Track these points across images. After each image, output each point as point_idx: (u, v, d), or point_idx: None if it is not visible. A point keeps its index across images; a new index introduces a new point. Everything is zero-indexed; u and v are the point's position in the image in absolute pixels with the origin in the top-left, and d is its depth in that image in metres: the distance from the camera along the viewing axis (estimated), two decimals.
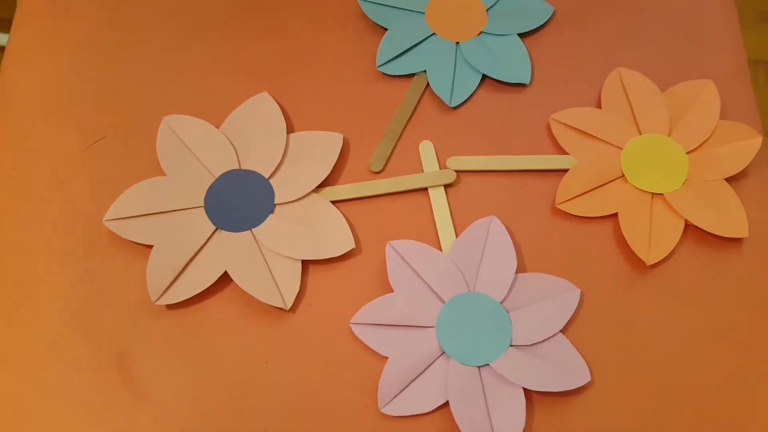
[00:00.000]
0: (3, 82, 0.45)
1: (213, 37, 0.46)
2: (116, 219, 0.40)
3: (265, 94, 0.43)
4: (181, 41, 0.46)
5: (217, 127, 0.43)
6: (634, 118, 0.43)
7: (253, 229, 0.40)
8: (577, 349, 0.37)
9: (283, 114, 0.43)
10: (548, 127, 0.44)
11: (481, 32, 0.46)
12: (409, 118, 0.43)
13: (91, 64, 0.45)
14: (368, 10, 0.45)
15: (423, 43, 0.45)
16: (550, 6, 0.47)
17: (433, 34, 0.45)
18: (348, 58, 0.45)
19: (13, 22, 0.47)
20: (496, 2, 0.46)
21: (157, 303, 0.38)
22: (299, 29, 0.46)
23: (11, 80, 0.45)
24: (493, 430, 0.35)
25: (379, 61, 0.44)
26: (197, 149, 0.42)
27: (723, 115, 0.44)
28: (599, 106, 0.44)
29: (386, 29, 0.45)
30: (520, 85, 0.45)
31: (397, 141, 0.42)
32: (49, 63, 0.45)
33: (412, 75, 0.44)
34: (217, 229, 0.40)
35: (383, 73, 0.44)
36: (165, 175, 0.41)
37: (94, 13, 0.47)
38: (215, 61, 0.45)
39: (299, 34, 0.46)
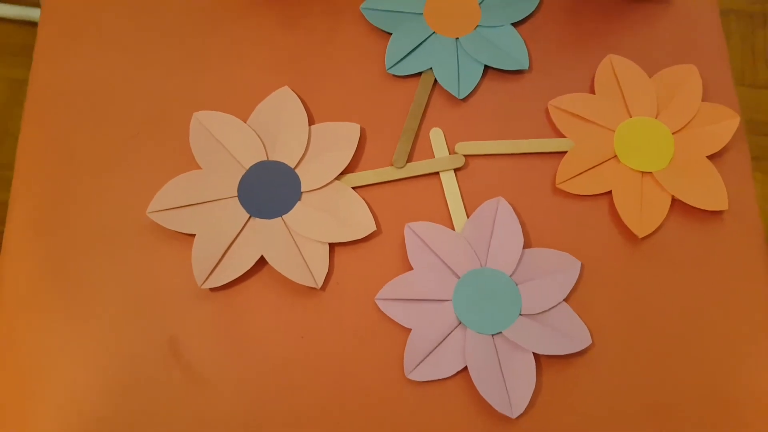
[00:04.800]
0: (34, 84, 0.41)
1: (231, 30, 0.42)
2: (159, 211, 0.37)
3: (286, 89, 0.40)
4: (201, 34, 0.42)
5: (244, 120, 0.40)
6: (625, 102, 0.41)
7: (283, 216, 0.38)
8: (579, 316, 0.36)
9: (303, 105, 0.40)
10: (547, 112, 0.41)
11: (478, 26, 0.42)
12: (423, 114, 0.40)
13: (116, 61, 0.41)
14: (371, 17, 0.42)
15: (425, 43, 0.41)
16: None
17: (434, 33, 0.41)
18: (360, 53, 0.42)
19: (39, 22, 0.42)
20: None
21: (203, 287, 0.36)
22: (314, 22, 0.42)
23: (42, 81, 0.41)
24: (507, 390, 0.34)
25: (388, 64, 0.41)
26: (228, 143, 0.39)
27: (705, 97, 0.41)
28: (593, 90, 0.41)
29: (390, 33, 0.42)
30: (520, 73, 0.42)
31: (415, 137, 0.40)
32: (76, 62, 0.41)
33: (419, 73, 0.41)
34: (250, 216, 0.38)
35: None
36: (199, 167, 0.39)
37: (116, 9, 0.42)
38: (234, 53, 0.42)
39: (314, 26, 0.42)
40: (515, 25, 0.43)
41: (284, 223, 0.37)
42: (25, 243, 0.37)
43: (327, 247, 0.37)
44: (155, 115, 0.40)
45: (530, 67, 0.42)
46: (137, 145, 0.40)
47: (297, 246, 0.37)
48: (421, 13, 0.42)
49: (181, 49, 0.42)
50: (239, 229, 0.37)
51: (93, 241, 0.37)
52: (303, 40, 0.42)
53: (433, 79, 0.41)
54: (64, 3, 0.43)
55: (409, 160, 0.40)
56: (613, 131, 0.40)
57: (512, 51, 0.41)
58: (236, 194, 0.38)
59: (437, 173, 0.39)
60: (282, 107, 0.40)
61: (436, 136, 0.40)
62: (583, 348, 0.35)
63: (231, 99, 0.40)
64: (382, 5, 0.42)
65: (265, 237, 0.37)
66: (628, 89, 0.41)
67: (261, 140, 0.39)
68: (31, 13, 0.96)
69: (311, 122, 0.40)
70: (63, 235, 0.38)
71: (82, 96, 0.41)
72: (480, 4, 0.43)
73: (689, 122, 0.40)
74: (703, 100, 0.41)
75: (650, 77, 0.41)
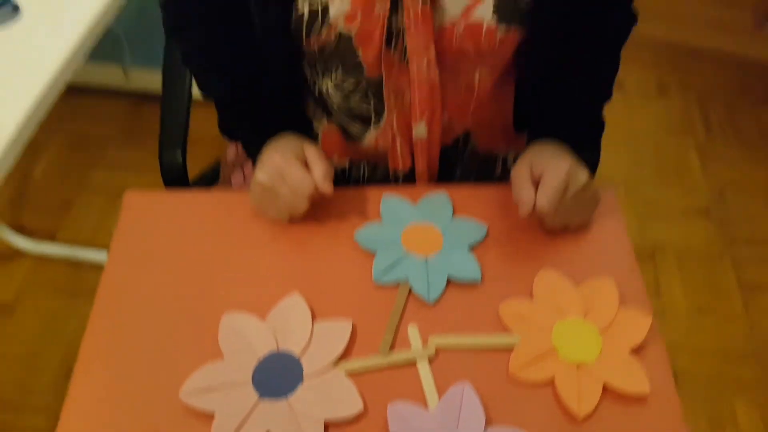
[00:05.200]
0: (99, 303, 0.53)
1: (256, 250, 0.55)
2: (188, 393, 0.45)
3: (297, 295, 0.52)
4: (234, 253, 0.55)
5: (263, 317, 0.50)
6: (558, 305, 0.51)
7: (287, 398, 0.45)
8: None
9: (309, 307, 0.50)
10: (498, 313, 0.51)
11: (441, 249, 0.55)
12: (402, 314, 0.51)
13: (168, 280, 0.53)
14: (362, 242, 0.55)
15: (402, 261, 0.54)
16: (484, 224, 0.57)
17: (409, 253, 0.55)
18: (353, 268, 0.54)
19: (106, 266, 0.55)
20: (446, 227, 0.57)
21: None
22: (319, 245, 0.56)
23: (106, 297, 0.53)
24: None
25: (374, 275, 0.53)
26: (248, 337, 0.49)
27: (621, 302, 0.52)
28: (532, 296, 0.52)
29: (375, 252, 0.55)
30: (475, 283, 0.53)
31: (396, 332, 0.50)
32: (146, 283, 0.54)
33: (398, 283, 0.53)
34: (260, 397, 0.45)
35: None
36: (223, 356, 0.48)
37: (170, 260, 0.56)
38: (258, 267, 0.54)
39: (319, 248, 0.55)
40: (469, 247, 0.56)
41: (288, 403, 0.45)
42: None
43: (322, 425, 0.44)
44: (194, 313, 0.51)
45: (483, 278, 0.54)
46: (178, 336, 0.49)
47: (298, 423, 0.44)
48: (399, 239, 0.56)
49: (215, 264, 0.54)
50: (250, 409, 0.45)
51: (133, 414, 0.45)
52: (310, 258, 0.55)
53: (409, 287, 0.53)
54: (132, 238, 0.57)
55: (392, 349, 0.49)
56: (551, 329, 0.50)
57: (468, 268, 0.54)
58: (251, 379, 0.46)
59: (414, 361, 0.48)
60: (292, 309, 0.51)
61: (413, 332, 0.50)
62: None
63: (254, 301, 0.51)
64: (370, 233, 0.56)
65: (272, 415, 0.44)
66: (560, 295, 0.52)
67: (274, 335, 0.49)
68: (77, 253, 1.14)
69: (314, 319, 0.51)
70: (111, 412, 0.45)
71: (137, 312, 0.51)
72: (442, 233, 0.57)
73: (612, 322, 0.50)
74: (620, 305, 0.52)
75: (577, 286, 0.53)
